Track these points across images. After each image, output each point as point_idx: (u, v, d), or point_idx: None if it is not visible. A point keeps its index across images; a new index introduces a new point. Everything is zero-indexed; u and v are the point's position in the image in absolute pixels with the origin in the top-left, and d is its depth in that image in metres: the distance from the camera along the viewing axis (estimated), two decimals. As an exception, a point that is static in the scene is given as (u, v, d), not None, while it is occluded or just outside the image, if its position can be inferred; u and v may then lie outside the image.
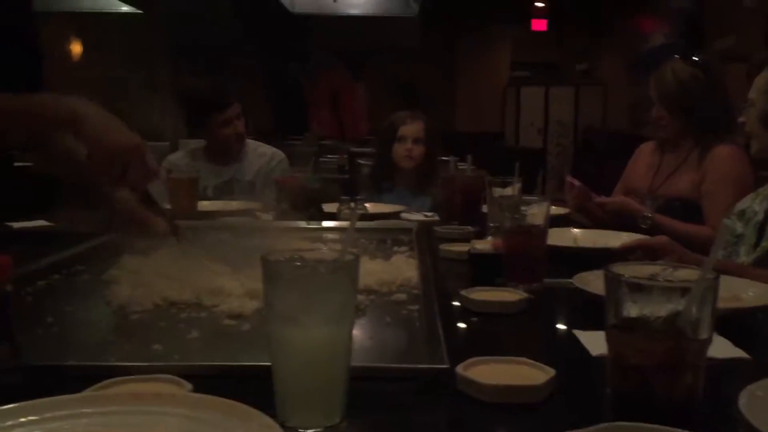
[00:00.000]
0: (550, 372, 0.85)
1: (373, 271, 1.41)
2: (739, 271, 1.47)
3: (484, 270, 1.47)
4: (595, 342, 1.01)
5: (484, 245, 1.53)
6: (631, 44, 9.11)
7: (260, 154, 3.12)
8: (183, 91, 3.20)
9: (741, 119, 2.00)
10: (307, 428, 0.72)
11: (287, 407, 0.73)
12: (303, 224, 2.07)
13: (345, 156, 6.03)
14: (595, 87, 10.40)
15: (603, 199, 2.41)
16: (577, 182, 2.38)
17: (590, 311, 1.04)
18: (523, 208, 1.41)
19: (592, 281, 1.25)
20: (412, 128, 3.00)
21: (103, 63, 8.97)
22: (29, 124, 1.28)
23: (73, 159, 1.28)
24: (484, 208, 2.09)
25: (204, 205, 2.43)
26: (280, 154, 3.16)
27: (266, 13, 6.84)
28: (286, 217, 2.18)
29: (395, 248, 1.74)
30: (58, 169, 1.36)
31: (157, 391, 0.78)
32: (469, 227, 2.01)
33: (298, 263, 0.76)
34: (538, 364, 0.88)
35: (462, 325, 1.19)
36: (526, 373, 0.87)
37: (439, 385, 0.86)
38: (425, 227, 2.04)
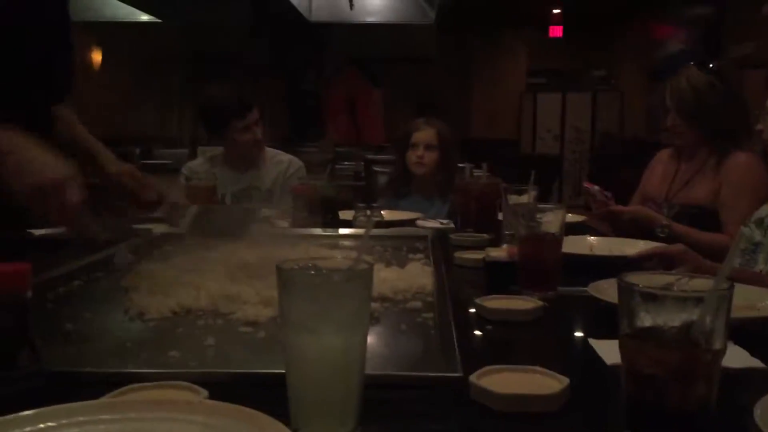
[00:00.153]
0: (565, 381, 0.85)
1: (388, 278, 1.42)
2: (756, 280, 1.45)
3: (498, 278, 1.47)
4: (610, 351, 1.00)
5: (498, 253, 1.53)
6: (648, 50, 9.07)
7: (278, 161, 3.14)
8: (202, 98, 3.22)
9: (759, 126, 1.98)
10: (321, 436, 0.73)
11: (301, 415, 0.74)
12: (319, 231, 2.08)
13: (361, 163, 6.04)
14: (612, 93, 10.34)
15: (620, 207, 2.40)
16: (595, 187, 2.38)
17: (605, 320, 1.04)
18: (538, 215, 1.40)
19: (607, 290, 1.24)
20: (423, 134, 3.02)
21: (123, 71, 9.09)
22: None
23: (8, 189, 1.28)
24: (500, 216, 2.08)
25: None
26: (297, 162, 3.18)
27: (283, 21, 6.88)
28: (303, 225, 2.19)
29: (410, 256, 1.75)
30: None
31: (174, 398, 0.79)
32: (485, 235, 2.01)
33: (312, 272, 0.77)
34: (552, 373, 0.88)
35: (477, 332, 1.19)
36: (540, 382, 0.87)
37: (452, 394, 0.87)
38: (440, 234, 2.04)
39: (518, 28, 10.06)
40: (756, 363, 0.99)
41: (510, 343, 1.18)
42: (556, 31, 9.17)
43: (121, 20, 6.42)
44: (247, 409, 0.68)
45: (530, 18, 9.10)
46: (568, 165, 10.23)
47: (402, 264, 1.59)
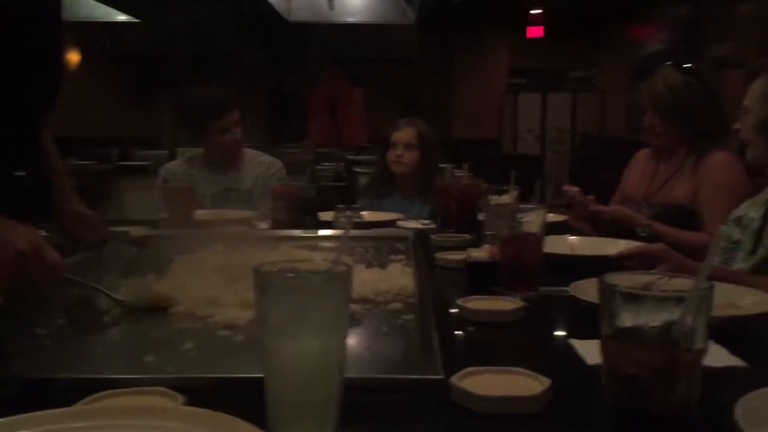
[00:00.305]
0: (546, 382, 0.85)
1: (368, 280, 1.41)
2: (735, 278, 1.46)
3: (480, 278, 1.47)
4: (591, 351, 1.00)
5: (480, 253, 1.53)
6: (628, 51, 9.14)
7: (258, 162, 3.12)
8: (181, 99, 3.20)
9: (736, 126, 2.00)
10: (300, 440, 0.72)
11: (280, 419, 0.73)
12: (299, 233, 2.07)
13: (342, 164, 6.04)
14: (593, 93, 10.42)
15: (600, 207, 2.41)
16: (574, 189, 2.38)
17: (586, 320, 1.04)
18: (519, 215, 1.40)
19: (589, 289, 1.24)
20: (403, 134, 3.02)
21: (101, 72, 9.01)
22: None
23: None
24: (481, 216, 2.08)
25: (200, 214, 2.43)
26: (278, 163, 3.16)
27: (262, 21, 6.85)
28: (283, 226, 2.18)
29: (391, 257, 1.74)
30: None
31: (149, 404, 0.78)
32: (466, 235, 2.01)
33: (291, 274, 0.76)
34: (533, 374, 0.87)
35: (458, 334, 1.19)
36: (521, 383, 0.87)
37: (434, 397, 0.86)
38: (421, 235, 2.03)
39: (499, 28, 10.09)
40: (736, 361, 0.99)
41: (492, 344, 1.18)
42: (535, 32, 9.20)
43: (98, 20, 6.35)
44: (224, 415, 0.67)
45: (511, 19, 9.13)
46: (549, 165, 10.28)
47: (383, 265, 1.58)
